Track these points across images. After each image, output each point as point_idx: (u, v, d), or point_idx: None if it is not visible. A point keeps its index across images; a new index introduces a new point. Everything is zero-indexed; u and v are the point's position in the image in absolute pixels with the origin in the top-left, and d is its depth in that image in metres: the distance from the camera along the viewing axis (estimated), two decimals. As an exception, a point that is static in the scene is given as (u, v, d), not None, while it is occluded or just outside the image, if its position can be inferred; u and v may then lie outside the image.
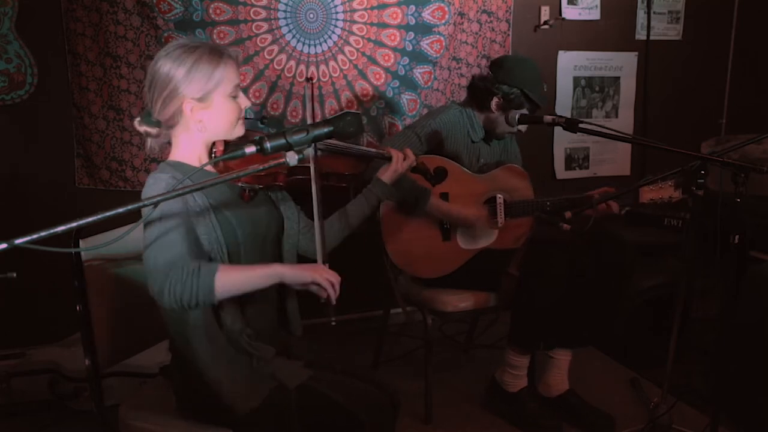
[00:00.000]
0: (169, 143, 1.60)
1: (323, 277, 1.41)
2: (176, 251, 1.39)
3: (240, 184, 1.56)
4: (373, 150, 1.87)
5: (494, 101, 2.41)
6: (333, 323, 1.42)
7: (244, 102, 1.57)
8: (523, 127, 2.43)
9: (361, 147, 1.86)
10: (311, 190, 1.53)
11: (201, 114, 1.52)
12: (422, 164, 1.93)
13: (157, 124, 1.58)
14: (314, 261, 1.70)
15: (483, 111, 2.48)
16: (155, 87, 1.51)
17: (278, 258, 1.70)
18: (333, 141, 1.74)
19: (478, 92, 2.44)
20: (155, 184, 1.46)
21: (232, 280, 1.41)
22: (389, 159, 1.84)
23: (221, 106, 1.53)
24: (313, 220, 1.72)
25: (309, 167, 1.53)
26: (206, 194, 1.52)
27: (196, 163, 1.55)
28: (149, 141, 1.62)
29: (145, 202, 1.19)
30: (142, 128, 1.60)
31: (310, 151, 1.53)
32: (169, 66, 1.49)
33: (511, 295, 2.35)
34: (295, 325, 1.72)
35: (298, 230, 1.74)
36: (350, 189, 2.06)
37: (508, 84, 2.37)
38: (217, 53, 1.51)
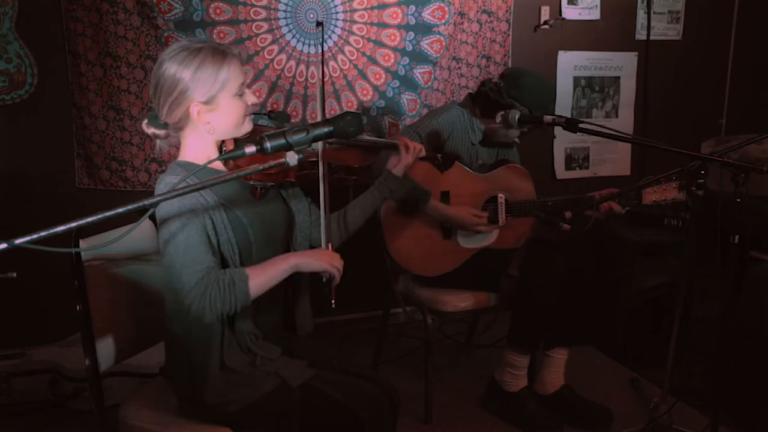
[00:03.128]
0: (178, 144, 1.61)
1: (334, 267, 1.51)
2: (205, 265, 1.44)
3: (251, 182, 1.56)
4: (382, 140, 1.86)
5: (500, 114, 2.38)
6: (333, 306, 1.51)
7: (251, 98, 1.57)
8: (517, 138, 2.47)
9: (370, 138, 1.86)
10: (320, 181, 1.56)
11: (208, 116, 1.52)
12: (430, 152, 1.93)
13: (165, 126, 1.58)
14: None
15: (485, 118, 2.46)
16: (161, 92, 1.51)
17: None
18: None
19: (486, 101, 2.41)
20: (166, 189, 1.45)
21: (261, 281, 1.48)
22: (398, 150, 1.84)
23: (228, 106, 1.53)
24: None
25: (317, 162, 1.55)
26: (217, 194, 1.52)
27: None
28: (158, 142, 1.62)
29: (145, 203, 1.19)
30: (150, 130, 1.60)
31: (318, 143, 1.56)
32: (174, 70, 1.49)
33: (510, 295, 2.35)
34: (304, 325, 1.72)
35: (309, 223, 1.74)
36: (352, 183, 2.04)
37: (519, 102, 2.35)
38: (220, 54, 1.51)
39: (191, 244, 1.44)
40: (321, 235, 1.59)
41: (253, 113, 1.63)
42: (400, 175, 1.84)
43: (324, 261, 1.51)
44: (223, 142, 1.58)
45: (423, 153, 1.87)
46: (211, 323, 1.49)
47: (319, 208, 1.61)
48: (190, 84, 1.48)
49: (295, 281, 1.70)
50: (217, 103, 1.51)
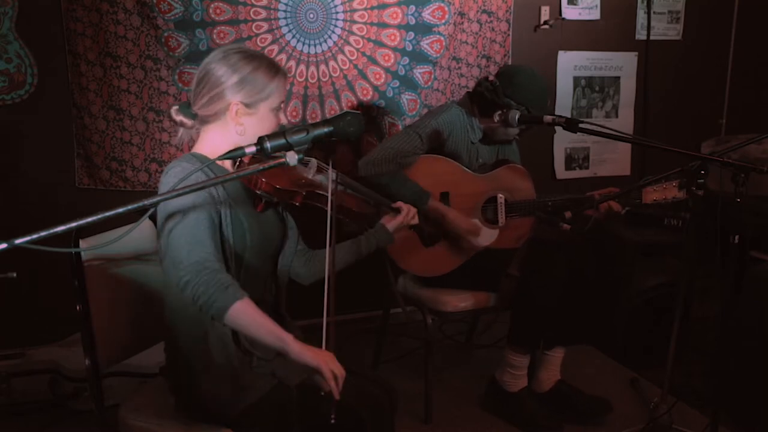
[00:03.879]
0: (194, 137, 1.63)
1: (329, 369, 1.34)
2: (208, 250, 1.42)
3: (258, 192, 1.57)
4: (385, 200, 1.91)
5: (497, 113, 2.39)
6: (332, 420, 1.32)
7: (283, 118, 1.62)
8: (517, 136, 2.49)
9: (375, 194, 1.89)
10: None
11: (244, 119, 1.55)
12: (421, 223, 1.96)
13: (194, 116, 1.60)
14: (302, 286, 1.73)
15: (484, 117, 2.47)
16: (204, 84, 1.55)
17: (272, 273, 1.71)
18: (351, 180, 1.80)
19: (483, 100, 2.43)
20: (183, 173, 1.46)
21: (245, 317, 1.40)
22: (397, 211, 1.89)
23: (264, 116, 1.57)
24: (310, 247, 1.78)
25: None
26: (226, 190, 1.54)
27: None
28: (180, 131, 1.65)
29: (145, 203, 1.19)
30: (179, 118, 1.63)
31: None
32: (224, 71, 1.53)
33: (510, 295, 2.35)
34: (291, 326, 1.72)
35: (294, 251, 1.75)
36: (344, 225, 2.00)
37: (515, 100, 2.35)
38: (274, 68, 1.57)
39: (199, 225, 1.43)
40: (323, 326, 1.43)
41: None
42: (391, 231, 1.88)
43: (322, 361, 1.35)
44: None
45: (415, 221, 1.92)
46: (206, 321, 1.48)
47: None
48: (235, 86, 1.52)
49: (274, 286, 1.71)
50: (256, 110, 1.56)
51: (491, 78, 2.48)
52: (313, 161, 1.67)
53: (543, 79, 2.48)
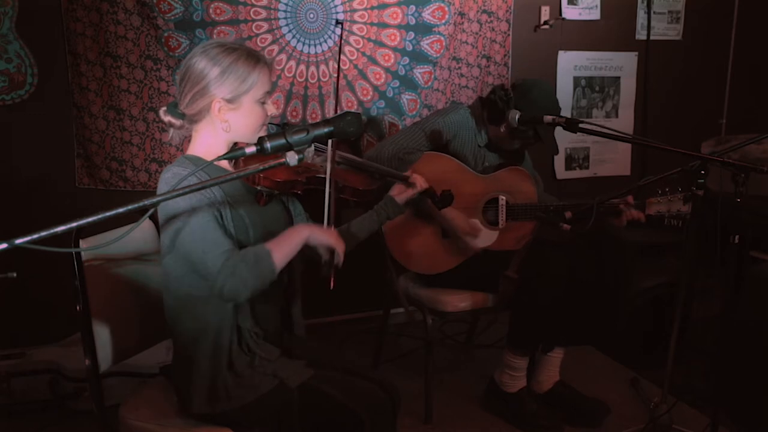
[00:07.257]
0: (190, 137, 1.62)
1: (340, 245, 1.52)
2: (227, 247, 1.45)
3: (258, 188, 1.57)
4: (390, 170, 1.89)
5: (504, 123, 2.39)
6: (332, 287, 1.50)
7: (271, 109, 1.60)
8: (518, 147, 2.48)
9: (380, 166, 1.88)
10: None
11: (228, 114, 1.54)
12: (431, 188, 1.94)
13: (182, 116, 1.59)
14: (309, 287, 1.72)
15: (492, 124, 2.46)
16: (187, 81, 1.53)
17: None
18: (352, 156, 1.79)
19: (495, 108, 2.41)
20: (173, 179, 1.47)
21: (282, 254, 1.49)
22: (404, 181, 1.87)
23: (249, 109, 1.55)
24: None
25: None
26: (223, 190, 1.54)
27: None
28: (171, 131, 1.64)
29: (145, 202, 1.19)
30: (167, 118, 1.61)
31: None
32: (205, 64, 1.51)
33: (509, 297, 2.35)
34: (300, 326, 1.72)
35: None
36: (352, 204, 2.03)
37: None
38: (254, 58, 1.54)
39: (207, 228, 1.45)
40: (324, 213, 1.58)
41: (270, 123, 1.64)
42: (401, 204, 1.87)
43: (332, 236, 1.53)
44: (235, 144, 1.59)
45: (425, 188, 1.90)
46: (207, 321, 1.49)
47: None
48: (217, 79, 1.50)
49: (289, 281, 1.71)
50: (239, 104, 1.53)
51: (507, 87, 2.47)
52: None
53: (556, 99, 2.46)
